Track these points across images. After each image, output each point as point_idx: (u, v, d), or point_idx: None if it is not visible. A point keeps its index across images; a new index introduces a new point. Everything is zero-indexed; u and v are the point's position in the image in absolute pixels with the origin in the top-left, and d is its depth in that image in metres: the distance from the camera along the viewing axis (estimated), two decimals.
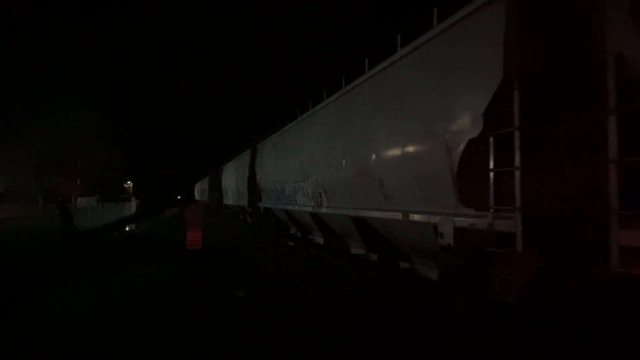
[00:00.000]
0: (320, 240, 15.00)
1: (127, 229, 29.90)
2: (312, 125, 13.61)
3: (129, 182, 79.00)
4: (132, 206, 54.11)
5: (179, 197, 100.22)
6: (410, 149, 8.02)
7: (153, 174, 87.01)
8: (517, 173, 5.74)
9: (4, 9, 55.90)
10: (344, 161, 10.86)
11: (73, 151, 48.73)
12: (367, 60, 10.20)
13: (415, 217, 8.04)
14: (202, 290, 9.12)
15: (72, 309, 7.79)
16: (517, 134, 5.77)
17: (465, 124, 6.50)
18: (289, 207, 16.24)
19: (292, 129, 15.98)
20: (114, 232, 26.04)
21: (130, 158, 62.80)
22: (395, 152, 8.55)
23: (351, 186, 10.61)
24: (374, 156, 9.34)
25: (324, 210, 12.70)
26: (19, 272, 11.27)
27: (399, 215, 8.50)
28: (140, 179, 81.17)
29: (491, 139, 6.14)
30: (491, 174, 6.17)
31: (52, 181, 47.15)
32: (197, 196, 73.67)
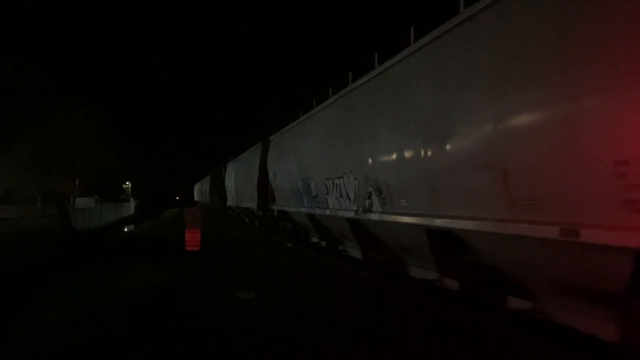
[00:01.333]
0: (357, 254, 11.29)
1: (126, 229, 29.09)
2: (356, 102, 9.87)
3: (127, 183, 75.00)
4: (130, 207, 51.91)
5: (177, 198, 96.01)
6: None
7: (152, 174, 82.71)
8: None
9: (5, 8, 52.54)
10: (421, 144, 7.13)
11: (72, 152, 46.62)
12: None
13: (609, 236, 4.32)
14: (201, 292, 8.65)
15: (68, 312, 7.23)
16: None
17: None
18: (316, 211, 12.47)
19: (322, 112, 12.21)
20: (113, 233, 25.12)
21: (129, 158, 59.64)
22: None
23: (435, 183, 6.87)
24: (492, 129, 5.60)
25: (374, 216, 8.96)
26: (17, 273, 10.68)
27: (555, 232, 4.78)
28: (139, 179, 77.01)
29: None
30: None
31: (51, 181, 45.51)
32: (196, 197, 69.73)
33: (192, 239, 12.02)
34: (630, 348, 4.70)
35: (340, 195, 10.59)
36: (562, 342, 5.57)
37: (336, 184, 10.77)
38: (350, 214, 10.04)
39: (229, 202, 30.27)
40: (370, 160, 8.90)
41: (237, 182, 25.78)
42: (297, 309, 7.59)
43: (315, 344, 5.78)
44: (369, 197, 9.10)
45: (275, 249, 15.53)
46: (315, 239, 14.57)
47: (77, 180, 50.58)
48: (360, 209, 9.60)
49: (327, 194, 11.43)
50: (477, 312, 6.99)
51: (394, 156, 7.97)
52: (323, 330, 6.32)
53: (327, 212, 11.51)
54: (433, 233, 7.34)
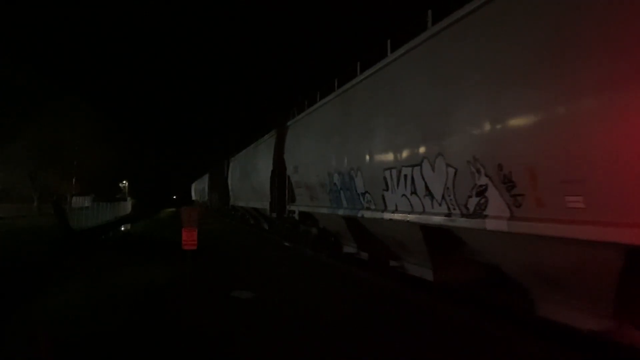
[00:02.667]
0: (425, 274, 7.75)
1: (123, 229, 28.07)
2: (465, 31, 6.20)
3: (124, 182, 70.87)
4: (127, 206, 50.05)
5: (174, 198, 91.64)
6: None
7: (148, 173, 78.64)
8: None
9: (3, 8, 48.84)
10: None
11: (68, 150, 43.89)
12: None
13: None
14: (198, 291, 7.71)
15: (64, 312, 6.59)
16: None
17: None
18: (363, 214, 8.82)
19: (380, 73, 8.50)
20: (109, 232, 24.02)
21: (126, 158, 56.70)
22: None
23: None
24: None
25: (493, 224, 5.35)
26: (12, 273, 9.64)
27: None
28: (135, 178, 72.82)
29: None
30: None
31: (47, 180, 43.18)
32: (194, 196, 65.75)
33: (189, 237, 10.70)
34: None
35: (413, 192, 6.97)
36: None
37: (405, 176, 7.16)
38: (436, 220, 6.42)
39: (233, 202, 26.43)
40: (490, 126, 5.28)
41: (243, 179, 22.03)
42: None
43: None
44: (481, 193, 5.49)
45: (296, 263, 11.88)
46: (350, 249, 10.93)
47: (74, 179, 48.13)
48: (457, 211, 6.00)
49: (387, 189, 7.81)
50: None
51: (567, 107, 4.35)
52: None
53: (386, 215, 7.87)
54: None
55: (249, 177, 20.22)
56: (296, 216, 13.17)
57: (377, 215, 8.17)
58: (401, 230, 7.74)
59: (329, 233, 11.88)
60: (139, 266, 10.61)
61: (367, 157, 8.43)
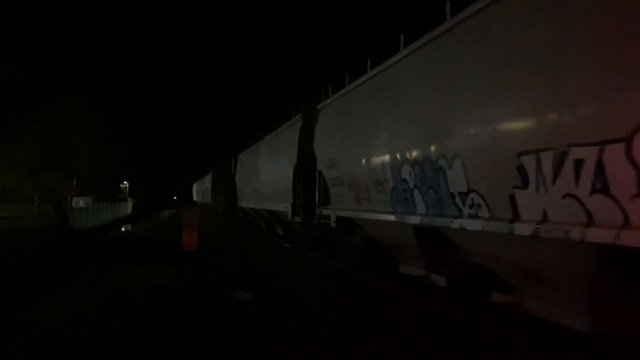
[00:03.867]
0: (568, 318, 4.59)
1: (123, 229, 27.28)
2: None
3: (125, 182, 67.67)
4: (127, 206, 48.72)
5: (175, 198, 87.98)
6: None
7: (149, 174, 75.43)
8: None
9: (3, 7, 46.06)
10: None
11: (69, 151, 42.75)
12: None
13: None
14: (198, 292, 7.48)
15: (64, 312, 6.34)
16: None
17: None
18: (464, 224, 5.61)
19: None
20: (110, 232, 23.51)
21: (127, 158, 54.39)
22: None
23: None
24: None
25: None
26: (12, 272, 9.53)
27: None
28: (136, 179, 69.60)
29: None
30: None
31: (48, 181, 41.92)
32: (196, 197, 62.40)
33: (190, 238, 11.14)
34: None
35: (600, 189, 3.78)
36: None
37: (577, 162, 3.97)
38: None
39: (240, 203, 23.07)
40: None
41: (254, 177, 18.73)
42: None
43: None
44: None
45: (343, 291, 8.68)
46: (412, 270, 7.73)
47: (75, 180, 47.06)
48: None
49: (522, 186, 4.59)
50: None
51: None
52: None
53: (521, 229, 4.65)
54: None
55: (262, 174, 16.97)
56: (332, 222, 9.91)
57: (499, 227, 4.95)
58: (546, 253, 4.56)
59: (378, 245, 8.68)
60: (139, 267, 10.14)
61: (479, 134, 5.22)
